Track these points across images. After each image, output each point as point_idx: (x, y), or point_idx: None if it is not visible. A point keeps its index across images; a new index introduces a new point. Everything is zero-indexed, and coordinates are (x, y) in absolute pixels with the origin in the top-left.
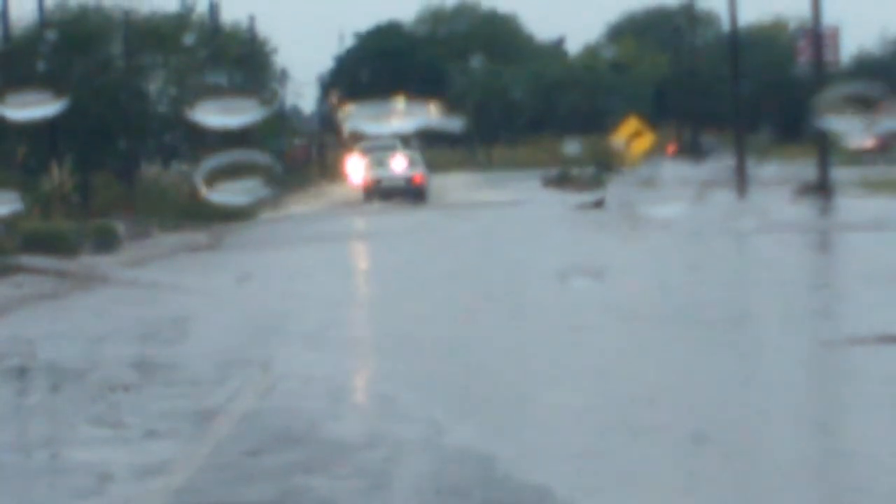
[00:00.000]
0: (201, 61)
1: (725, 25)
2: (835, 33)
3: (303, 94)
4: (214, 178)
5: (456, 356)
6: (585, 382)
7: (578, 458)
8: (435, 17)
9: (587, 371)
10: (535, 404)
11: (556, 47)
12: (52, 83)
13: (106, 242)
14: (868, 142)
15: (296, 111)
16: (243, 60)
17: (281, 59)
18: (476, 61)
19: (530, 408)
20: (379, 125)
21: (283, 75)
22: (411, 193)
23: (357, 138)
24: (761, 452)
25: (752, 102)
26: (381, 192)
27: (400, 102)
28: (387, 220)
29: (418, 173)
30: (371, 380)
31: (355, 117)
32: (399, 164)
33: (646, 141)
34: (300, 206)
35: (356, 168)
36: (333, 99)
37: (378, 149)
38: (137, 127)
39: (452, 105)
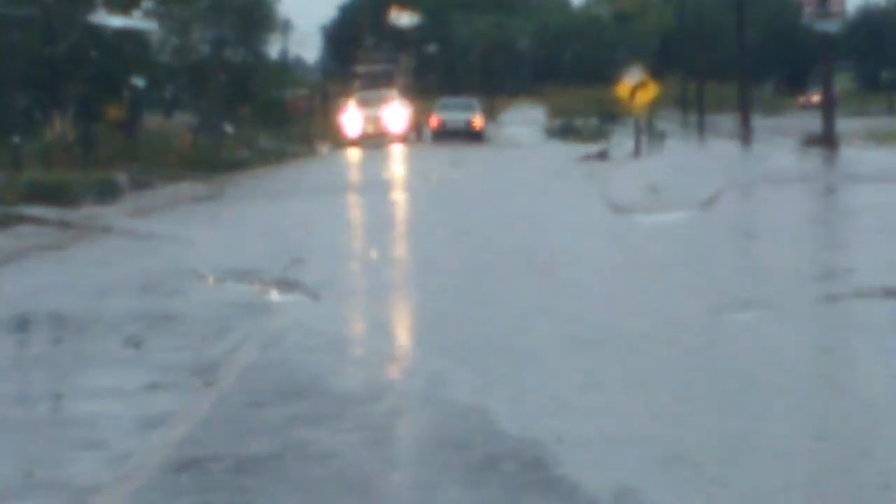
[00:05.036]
0: (204, 10)
1: None
2: None
3: (306, 44)
4: None
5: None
6: (595, 338)
7: (580, 414)
8: None
9: (596, 327)
10: (540, 360)
11: None
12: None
13: (108, 193)
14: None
15: (299, 61)
16: (246, 9)
17: (284, 9)
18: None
19: (536, 364)
20: None
21: (286, 25)
22: (470, 135)
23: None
24: (762, 403)
25: (757, 53)
26: (446, 132)
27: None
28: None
29: (477, 118)
30: (375, 332)
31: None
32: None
33: (650, 92)
34: (302, 156)
35: (351, 119)
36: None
37: (373, 100)
38: (140, 77)
39: (456, 55)
